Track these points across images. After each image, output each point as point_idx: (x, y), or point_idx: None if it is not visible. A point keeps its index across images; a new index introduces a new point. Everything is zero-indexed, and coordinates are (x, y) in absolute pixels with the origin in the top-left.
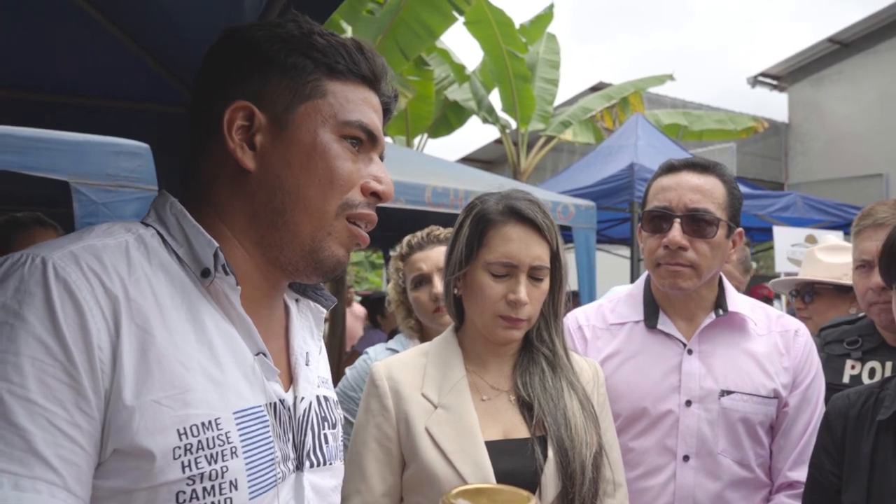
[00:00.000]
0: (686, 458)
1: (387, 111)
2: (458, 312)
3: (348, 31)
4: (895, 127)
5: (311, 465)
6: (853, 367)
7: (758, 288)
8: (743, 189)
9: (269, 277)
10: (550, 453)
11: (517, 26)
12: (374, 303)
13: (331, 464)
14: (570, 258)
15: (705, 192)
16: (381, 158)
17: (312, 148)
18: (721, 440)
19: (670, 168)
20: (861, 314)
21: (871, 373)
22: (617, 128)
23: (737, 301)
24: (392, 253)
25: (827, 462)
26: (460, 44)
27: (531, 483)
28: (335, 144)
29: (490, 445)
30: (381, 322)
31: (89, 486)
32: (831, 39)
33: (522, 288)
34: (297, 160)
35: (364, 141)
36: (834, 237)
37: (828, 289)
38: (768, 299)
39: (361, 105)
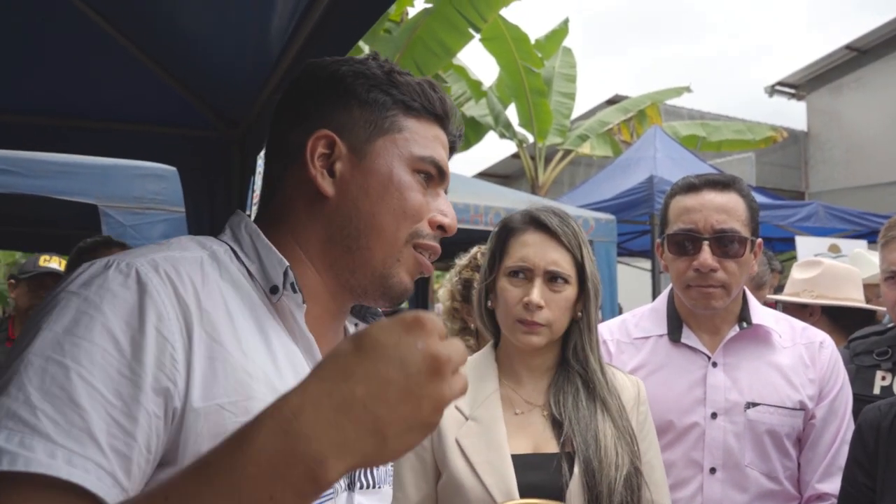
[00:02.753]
0: (713, 470)
1: (452, 148)
2: (494, 328)
3: (366, 50)
4: None
5: (361, 487)
6: (884, 379)
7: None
8: (763, 199)
9: (338, 299)
10: (577, 471)
11: (533, 41)
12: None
13: (380, 487)
14: None
15: (730, 211)
16: (446, 192)
17: (389, 179)
18: (748, 452)
19: (691, 187)
20: (891, 324)
21: None
22: (635, 140)
23: (761, 313)
24: (458, 261)
25: (860, 475)
26: (477, 60)
27: (557, 498)
28: (409, 177)
29: (517, 459)
30: None
31: (138, 479)
32: (849, 47)
33: (536, 290)
34: (373, 189)
35: (434, 176)
36: (858, 247)
37: (792, 305)
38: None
39: (433, 142)
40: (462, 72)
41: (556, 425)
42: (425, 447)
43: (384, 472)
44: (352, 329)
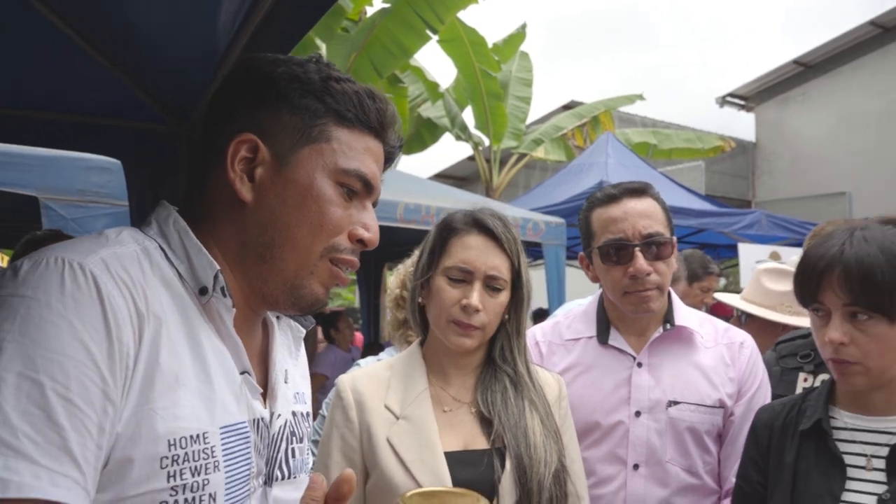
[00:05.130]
0: (636, 466)
1: (389, 159)
2: (423, 325)
3: (323, 49)
4: (858, 146)
5: (278, 479)
6: (805, 380)
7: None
8: (709, 207)
9: (252, 303)
10: (508, 465)
11: (490, 45)
12: (326, 318)
13: (295, 477)
14: (541, 274)
15: (651, 215)
16: (375, 205)
17: (308, 190)
18: (669, 449)
19: (611, 198)
20: None
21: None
22: (588, 146)
23: (684, 315)
24: (416, 250)
25: (754, 472)
26: (434, 62)
27: (488, 494)
28: (330, 189)
29: (449, 456)
30: (335, 336)
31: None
32: (796, 61)
33: (476, 294)
34: (292, 199)
35: (359, 190)
36: (797, 254)
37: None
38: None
39: (363, 154)
40: (419, 73)
41: (485, 422)
42: (354, 448)
43: (300, 461)
44: (274, 322)
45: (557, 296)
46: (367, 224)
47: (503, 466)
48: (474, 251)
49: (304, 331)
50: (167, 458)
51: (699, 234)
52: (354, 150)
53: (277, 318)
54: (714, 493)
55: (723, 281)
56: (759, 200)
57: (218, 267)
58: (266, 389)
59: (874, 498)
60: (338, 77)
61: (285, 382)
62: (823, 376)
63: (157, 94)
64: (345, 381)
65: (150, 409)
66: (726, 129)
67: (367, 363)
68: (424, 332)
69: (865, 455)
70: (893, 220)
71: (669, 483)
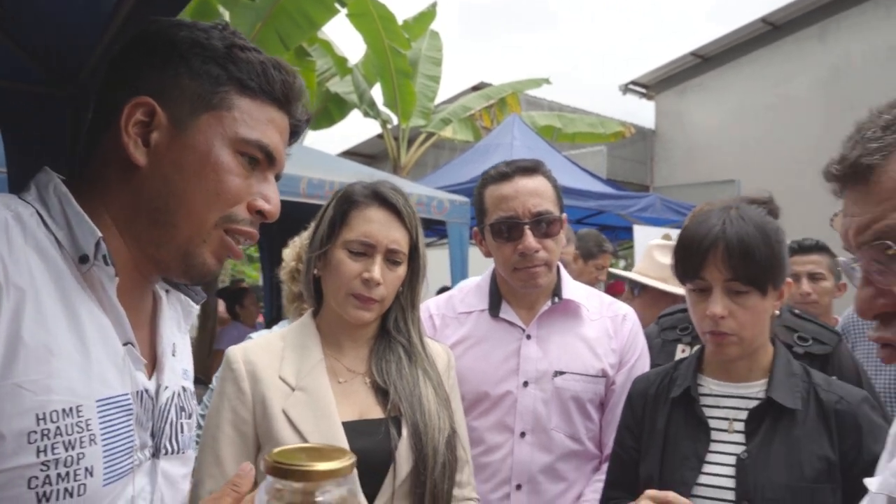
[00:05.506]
0: (523, 434)
1: (295, 133)
2: (318, 296)
3: (226, 17)
4: (749, 137)
5: (166, 453)
6: (683, 351)
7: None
8: (608, 190)
9: (142, 269)
10: (405, 433)
11: (400, 22)
12: (231, 294)
13: (183, 452)
14: (444, 253)
15: (542, 194)
16: (278, 178)
17: (206, 157)
18: (554, 417)
19: (503, 175)
20: None
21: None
22: (495, 127)
23: (572, 289)
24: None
25: (629, 438)
26: (343, 36)
27: (385, 461)
28: (229, 158)
29: (346, 426)
30: (239, 313)
31: None
32: (694, 53)
33: (377, 267)
34: (189, 166)
35: (261, 160)
36: None
37: (654, 287)
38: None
39: (266, 125)
40: (327, 46)
41: (380, 392)
42: (246, 420)
43: (188, 437)
44: (163, 295)
45: (461, 274)
46: (268, 196)
47: (399, 434)
48: (376, 225)
49: (195, 305)
50: (35, 432)
51: (599, 215)
52: (256, 120)
53: (167, 291)
54: (595, 457)
55: (622, 262)
56: (657, 186)
57: (100, 234)
58: (154, 361)
59: (734, 457)
60: (243, 45)
61: (173, 356)
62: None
63: (39, 54)
64: (236, 352)
65: (15, 384)
66: (630, 116)
67: (259, 335)
68: (318, 304)
69: (728, 419)
70: (757, 201)
71: (553, 449)
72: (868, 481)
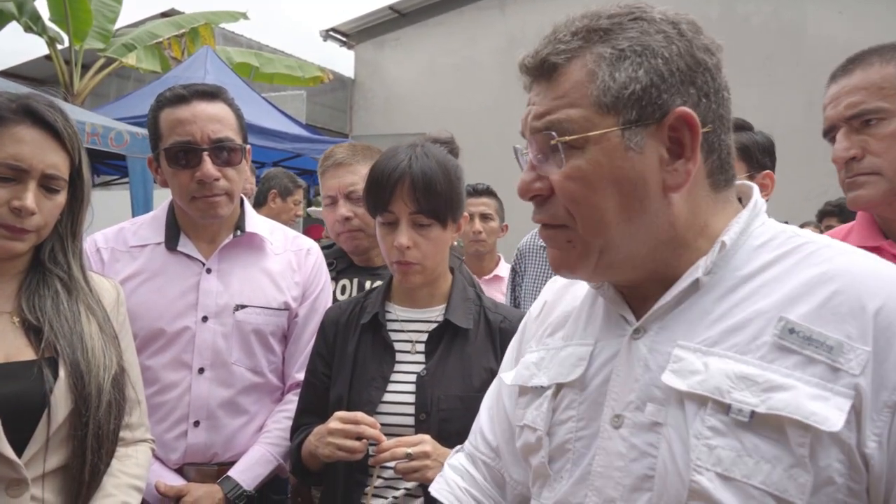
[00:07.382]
0: (201, 370)
1: None
2: None
3: None
4: (439, 93)
5: None
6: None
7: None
8: (306, 134)
9: None
10: (62, 374)
11: None
12: None
13: None
14: (126, 194)
15: (223, 120)
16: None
17: None
18: (235, 351)
19: (181, 98)
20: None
21: (343, 289)
22: (186, 59)
23: (256, 222)
24: None
25: (320, 365)
26: None
27: (39, 405)
28: None
29: None
30: None
31: None
32: (391, 7)
33: (30, 194)
34: None
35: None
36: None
37: None
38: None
39: None
40: None
41: (33, 331)
42: None
43: None
44: None
45: (145, 211)
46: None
47: (56, 376)
48: (28, 146)
49: None
50: None
51: (296, 158)
52: None
53: None
54: (277, 389)
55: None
56: (356, 134)
57: None
58: None
59: (415, 375)
60: None
61: None
62: (343, 281)
63: None
64: None
65: None
66: (330, 63)
67: None
68: None
69: (412, 341)
70: (440, 140)
71: (234, 384)
72: (504, 375)
